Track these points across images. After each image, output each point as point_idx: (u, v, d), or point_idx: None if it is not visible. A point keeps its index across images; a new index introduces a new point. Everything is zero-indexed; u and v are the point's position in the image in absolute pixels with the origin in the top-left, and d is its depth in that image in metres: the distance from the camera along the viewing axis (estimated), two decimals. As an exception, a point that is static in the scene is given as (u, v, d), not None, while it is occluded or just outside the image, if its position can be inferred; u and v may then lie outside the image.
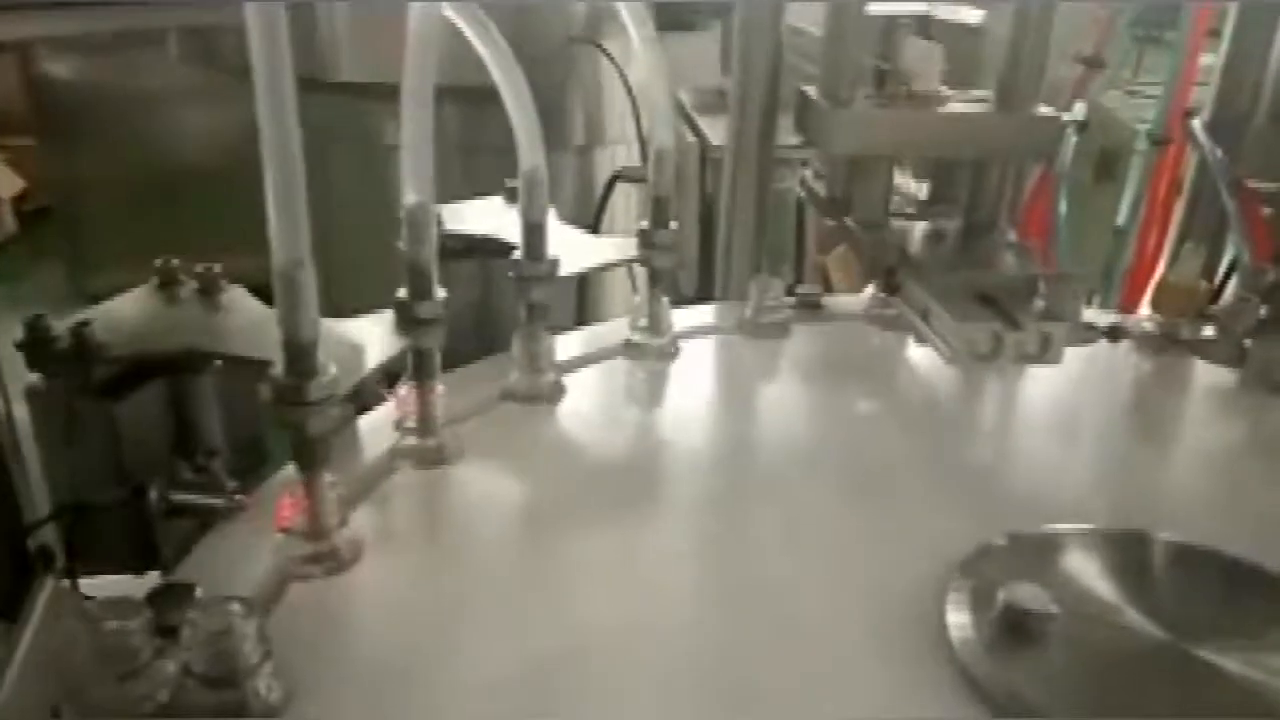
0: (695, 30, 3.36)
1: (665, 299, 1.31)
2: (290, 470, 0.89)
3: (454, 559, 0.91)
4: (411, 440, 1.05)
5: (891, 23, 1.43)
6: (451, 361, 1.11)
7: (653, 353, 1.29)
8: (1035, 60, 1.32)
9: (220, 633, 0.67)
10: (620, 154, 2.89)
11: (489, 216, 1.39)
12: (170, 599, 0.77)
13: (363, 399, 1.12)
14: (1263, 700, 0.72)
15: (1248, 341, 1.20)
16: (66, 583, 0.84)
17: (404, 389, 1.06)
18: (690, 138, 2.69)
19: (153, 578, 0.94)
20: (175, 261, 1.09)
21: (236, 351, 0.99)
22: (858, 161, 1.37)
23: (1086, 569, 0.86)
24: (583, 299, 2.45)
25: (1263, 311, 1.17)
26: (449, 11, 0.95)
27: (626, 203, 2.77)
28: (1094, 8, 1.84)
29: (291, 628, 0.79)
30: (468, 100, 1.48)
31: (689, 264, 2.25)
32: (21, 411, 0.97)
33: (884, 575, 0.87)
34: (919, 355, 1.29)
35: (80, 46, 3.53)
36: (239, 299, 1.10)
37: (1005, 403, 1.25)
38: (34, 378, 0.94)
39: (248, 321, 1.05)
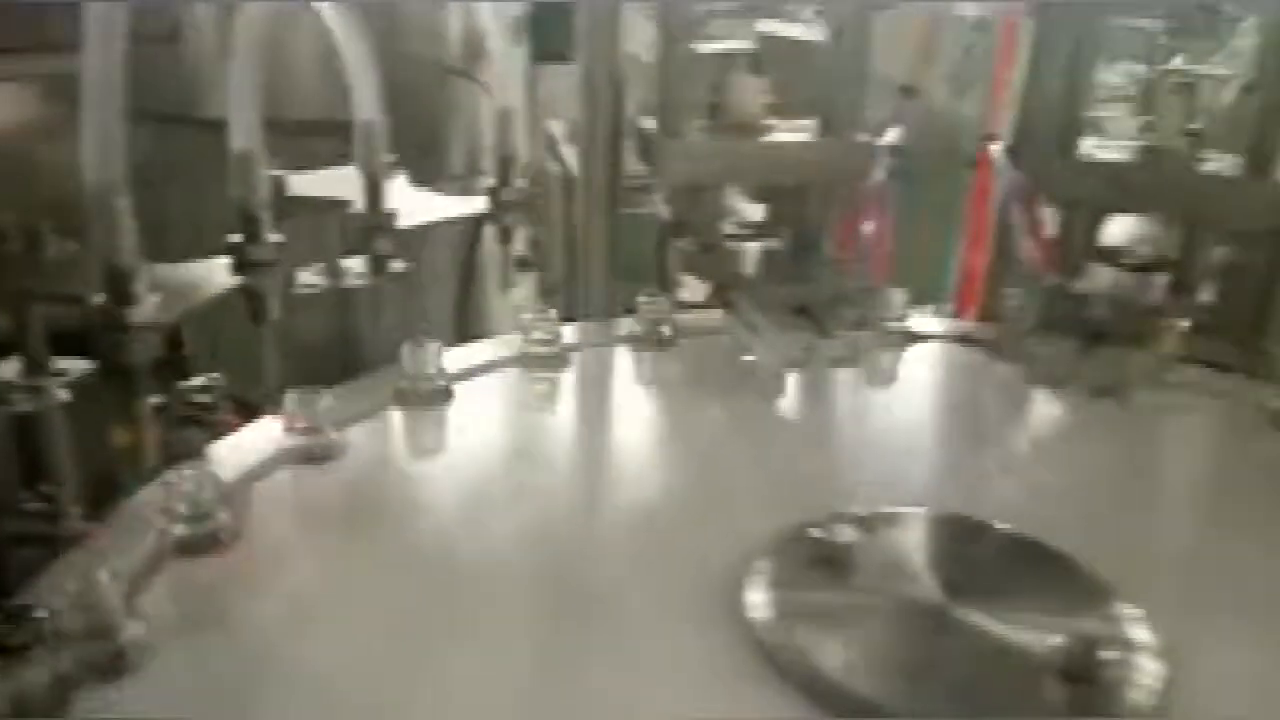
0: (569, 62, 3.45)
1: (554, 312, 1.35)
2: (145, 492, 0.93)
3: (324, 549, 0.97)
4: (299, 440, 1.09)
5: (725, 58, 1.55)
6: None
7: (543, 362, 1.34)
8: (852, 90, 1.45)
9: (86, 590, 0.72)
10: (499, 182, 2.96)
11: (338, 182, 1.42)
12: (11, 620, 0.80)
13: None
14: (1010, 650, 0.83)
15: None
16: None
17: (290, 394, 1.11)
18: (556, 167, 2.78)
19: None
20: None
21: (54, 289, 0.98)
22: (693, 187, 1.48)
23: (881, 546, 0.95)
24: (463, 317, 2.51)
25: (1043, 314, 1.30)
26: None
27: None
28: (913, 37, 1.99)
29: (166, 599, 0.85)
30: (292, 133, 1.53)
31: (557, 288, 2.33)
32: None
33: (706, 560, 0.95)
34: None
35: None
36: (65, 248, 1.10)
37: (830, 403, 1.35)
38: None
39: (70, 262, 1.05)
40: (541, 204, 2.50)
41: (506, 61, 1.83)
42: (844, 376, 1.27)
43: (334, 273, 1.49)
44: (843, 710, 0.78)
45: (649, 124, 1.48)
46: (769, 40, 1.57)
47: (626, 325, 1.44)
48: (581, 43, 1.58)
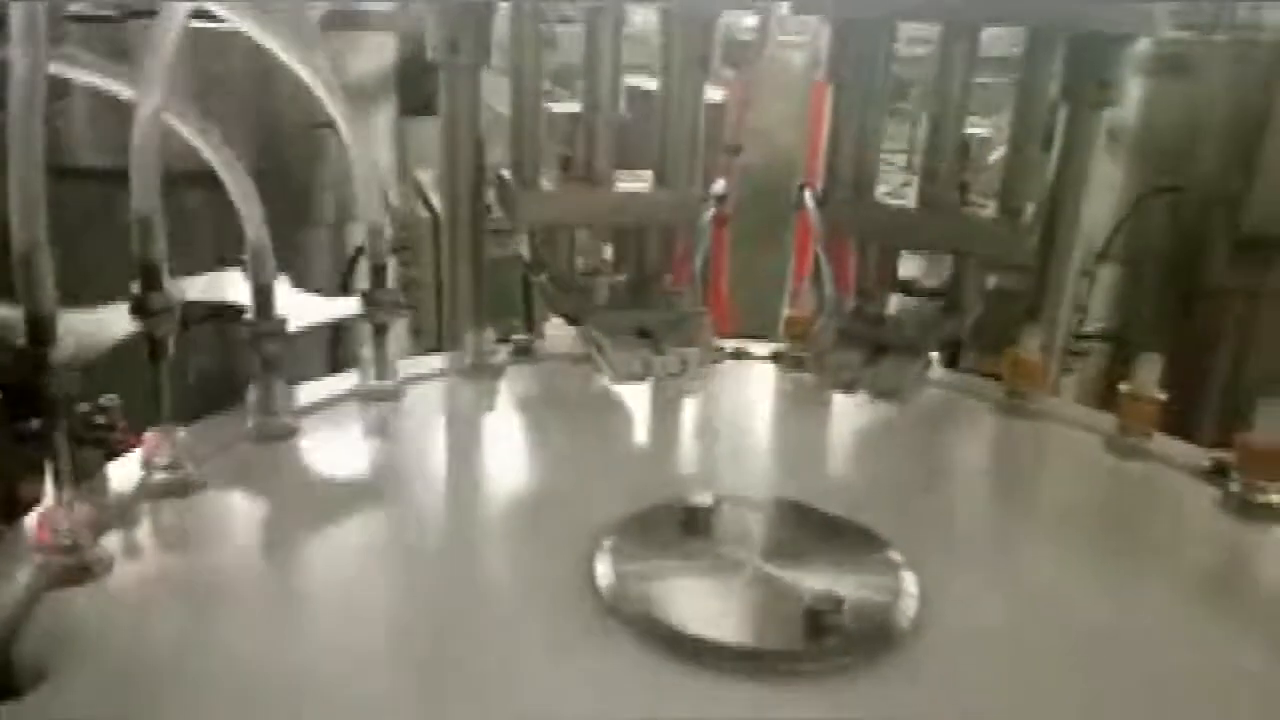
0: (437, 115, 3.62)
1: (390, 350, 1.53)
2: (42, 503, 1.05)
3: (195, 575, 1.09)
4: (160, 476, 1.22)
5: (575, 117, 1.75)
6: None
7: (378, 396, 1.50)
8: (681, 149, 1.68)
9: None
10: (372, 228, 3.09)
11: (233, 286, 1.57)
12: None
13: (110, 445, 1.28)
14: (790, 595, 1.04)
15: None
16: None
17: (150, 432, 1.24)
18: (425, 213, 2.94)
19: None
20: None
21: None
22: (547, 229, 1.68)
23: (708, 523, 1.15)
24: (335, 356, 2.63)
25: (840, 332, 1.55)
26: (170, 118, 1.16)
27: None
28: (732, 109, 2.26)
29: (45, 627, 0.95)
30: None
31: (428, 327, 2.49)
32: None
33: (555, 545, 1.13)
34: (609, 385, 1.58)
35: None
36: None
37: (672, 415, 1.56)
38: None
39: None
40: (412, 248, 2.66)
41: (358, 119, 1.96)
42: (675, 388, 1.49)
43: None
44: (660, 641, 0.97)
45: (507, 174, 1.67)
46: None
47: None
48: (443, 99, 1.76)
